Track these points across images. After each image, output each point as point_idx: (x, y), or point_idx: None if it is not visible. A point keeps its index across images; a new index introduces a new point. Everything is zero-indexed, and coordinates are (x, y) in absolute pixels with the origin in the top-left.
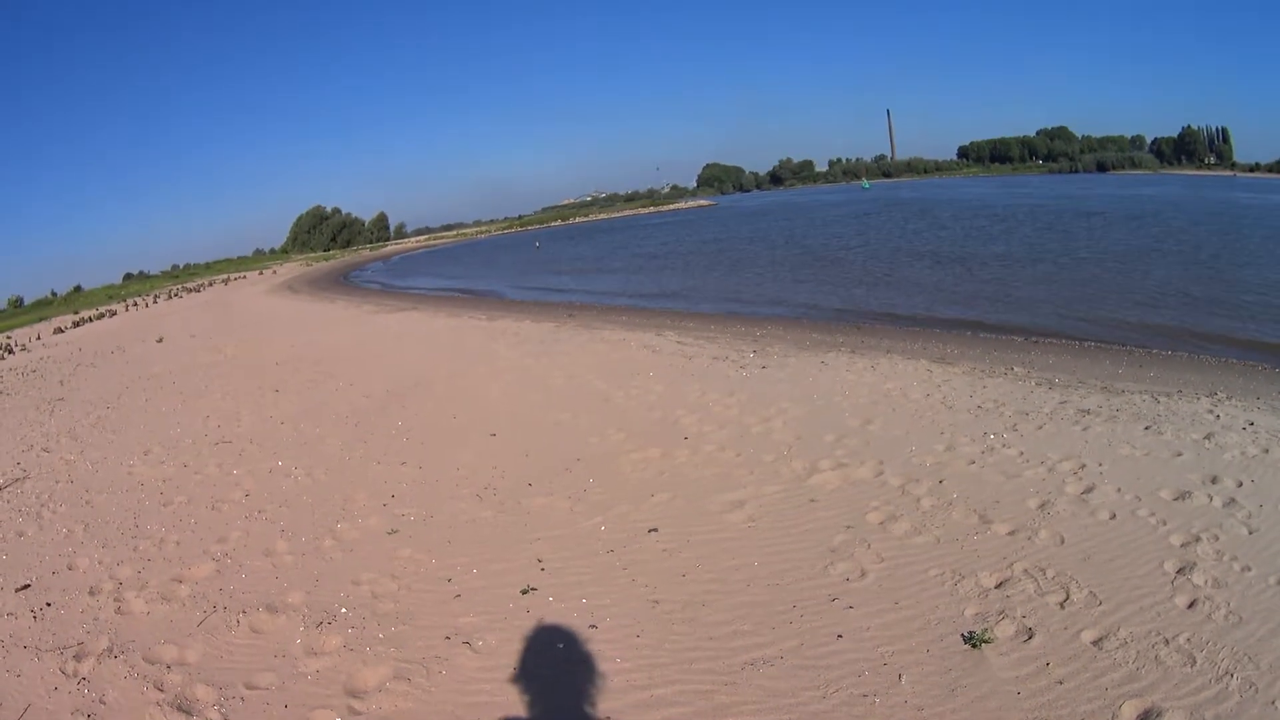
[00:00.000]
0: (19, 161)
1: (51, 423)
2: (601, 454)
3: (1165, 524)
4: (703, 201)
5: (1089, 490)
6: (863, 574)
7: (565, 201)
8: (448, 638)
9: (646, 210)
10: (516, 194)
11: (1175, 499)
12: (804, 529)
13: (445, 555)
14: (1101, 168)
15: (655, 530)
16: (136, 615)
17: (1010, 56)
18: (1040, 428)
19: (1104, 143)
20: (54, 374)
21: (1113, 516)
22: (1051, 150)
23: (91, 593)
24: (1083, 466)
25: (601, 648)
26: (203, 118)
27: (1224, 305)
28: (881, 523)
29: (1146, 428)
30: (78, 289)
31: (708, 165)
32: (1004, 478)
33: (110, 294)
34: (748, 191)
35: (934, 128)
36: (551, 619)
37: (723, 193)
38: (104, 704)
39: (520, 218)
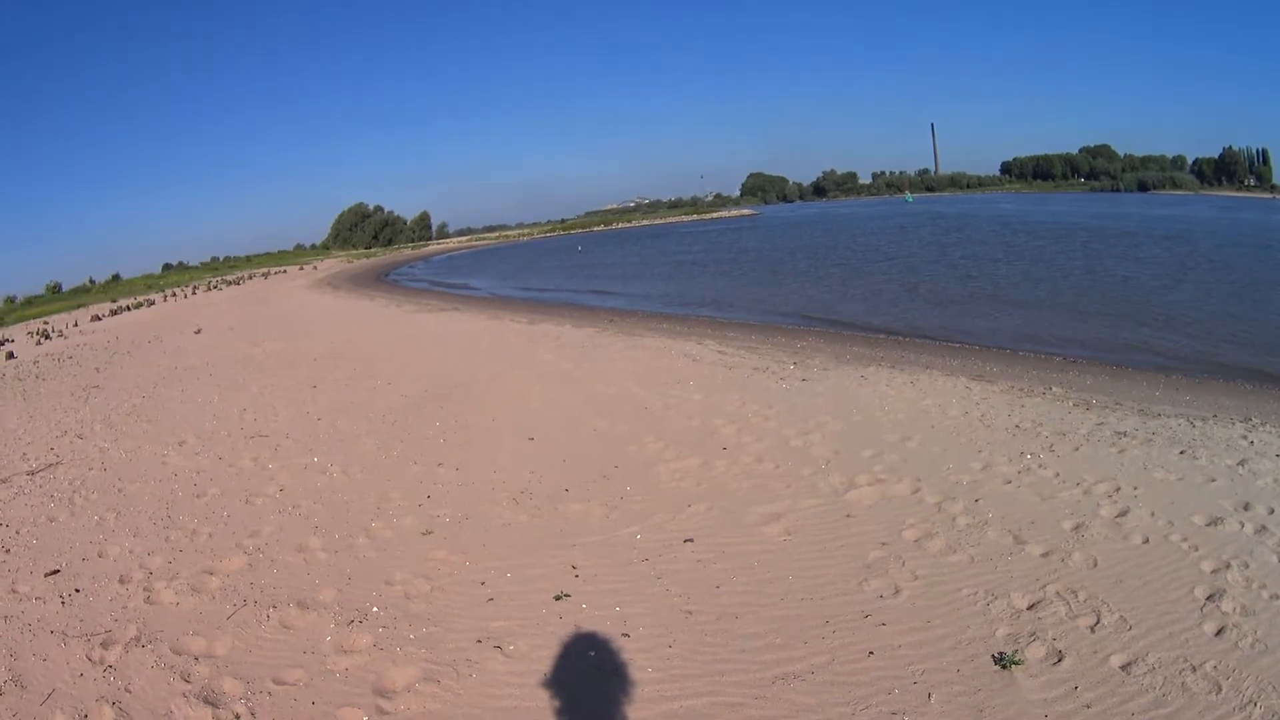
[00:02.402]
0: (61, 147)
1: (86, 409)
2: (639, 462)
3: (1197, 549)
4: (746, 211)
5: (1123, 513)
6: (896, 591)
7: (609, 206)
8: (479, 641)
9: (690, 218)
10: (560, 197)
11: (1208, 524)
12: (840, 544)
13: (480, 558)
14: (1143, 187)
15: (691, 540)
16: (166, 605)
17: (1055, 73)
18: (1077, 449)
19: (1145, 162)
20: (90, 361)
21: (1146, 541)
22: (1094, 168)
23: (121, 581)
24: (1118, 489)
25: (633, 656)
26: (246, 110)
27: (1261, 329)
28: (917, 540)
29: (1181, 452)
30: (116, 277)
31: (751, 174)
32: (1040, 498)
33: (149, 284)
34: (791, 202)
35: (978, 142)
36: (584, 626)
37: (766, 202)
38: (129, 692)
39: (563, 221)
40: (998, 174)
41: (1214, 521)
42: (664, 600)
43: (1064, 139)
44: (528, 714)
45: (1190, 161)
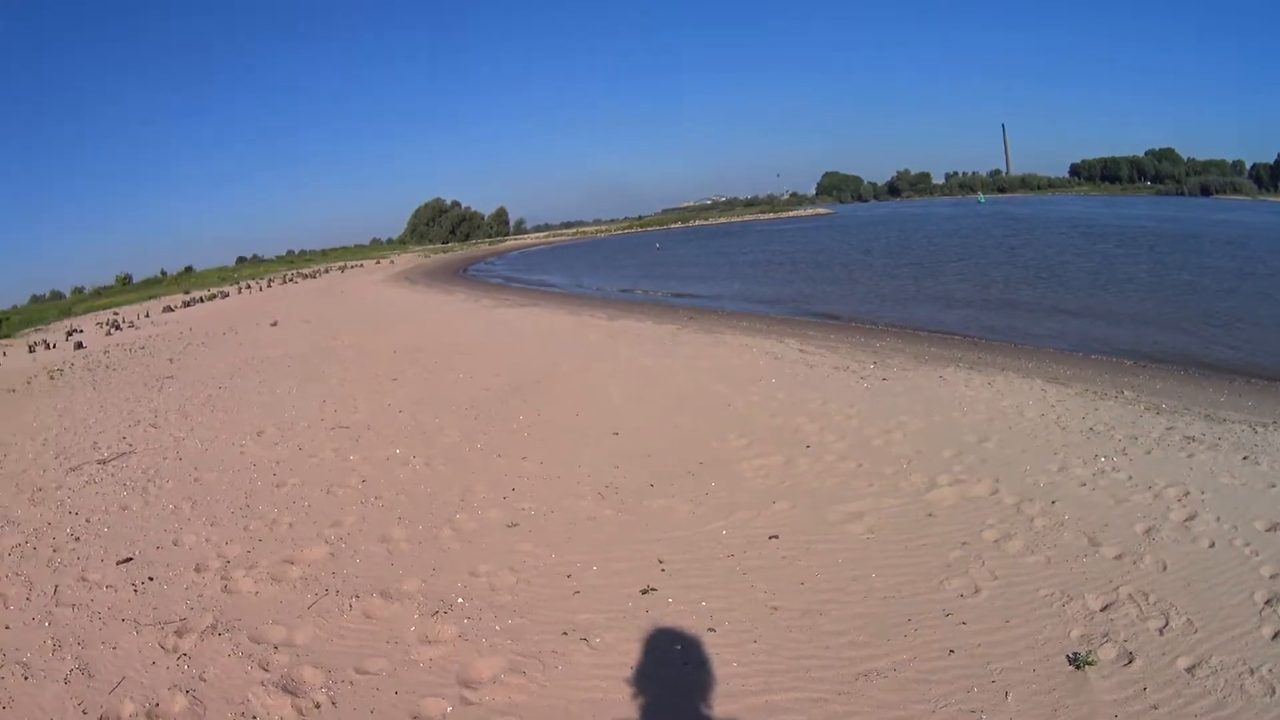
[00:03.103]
0: (135, 140)
1: (160, 399)
2: (723, 458)
3: (1258, 555)
4: (822, 210)
5: (1191, 517)
6: (976, 590)
7: (686, 204)
8: (565, 633)
9: (766, 216)
10: (637, 194)
11: (1268, 530)
12: (921, 543)
13: (565, 551)
14: (1205, 191)
15: (776, 537)
16: (244, 594)
17: (1124, 74)
18: (1148, 453)
19: (1207, 166)
20: (163, 351)
21: (1211, 545)
22: (1159, 171)
23: (197, 569)
24: (1186, 494)
25: (718, 651)
26: (323, 104)
27: None
28: (996, 540)
29: (1244, 458)
30: (189, 269)
31: (827, 173)
32: (1113, 501)
33: (222, 276)
34: (865, 201)
35: (1048, 143)
36: (670, 620)
37: (841, 201)
38: (204, 681)
39: (640, 218)
40: (1067, 175)
41: (1273, 527)
42: (749, 596)
43: (1131, 141)
44: (613, 706)
45: (1249, 167)
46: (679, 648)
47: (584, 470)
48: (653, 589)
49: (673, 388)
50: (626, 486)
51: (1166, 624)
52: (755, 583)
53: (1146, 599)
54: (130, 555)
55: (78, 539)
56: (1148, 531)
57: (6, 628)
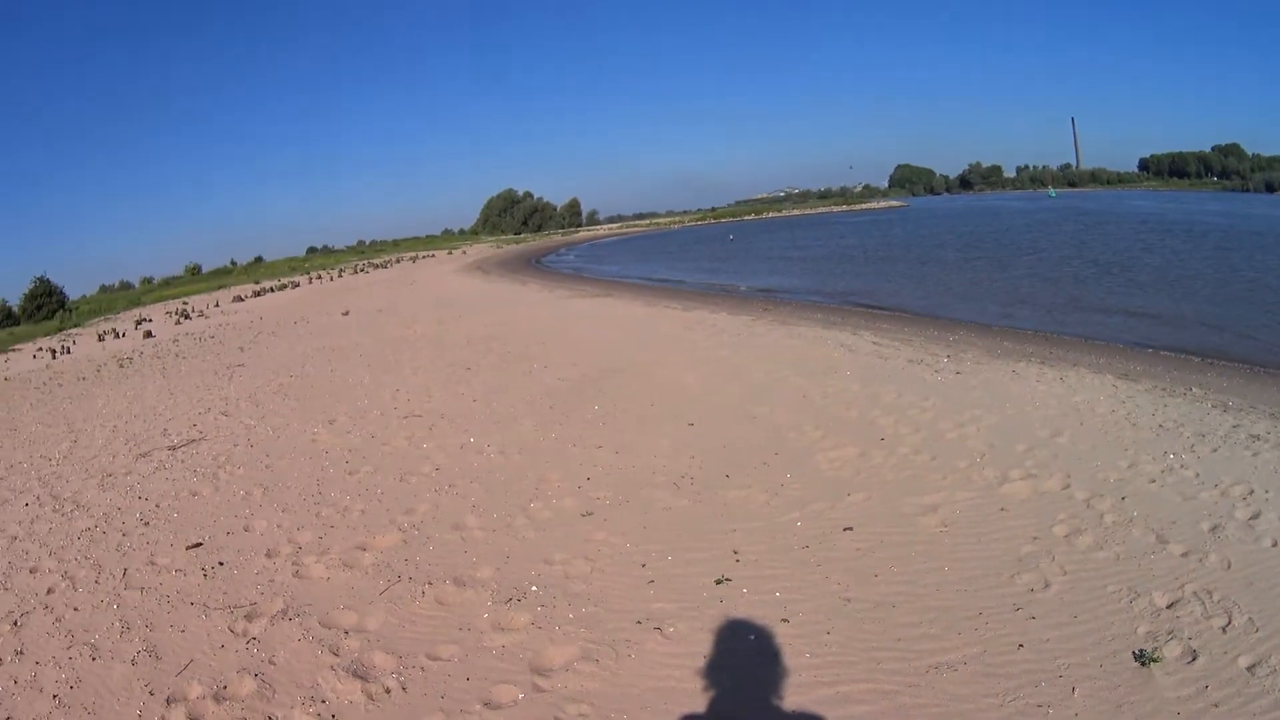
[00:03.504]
0: (207, 133)
1: (230, 387)
2: (799, 449)
3: None
4: (894, 202)
5: (1255, 516)
6: (1046, 585)
7: (759, 195)
8: (639, 622)
9: (839, 208)
10: (710, 186)
11: None
12: (993, 537)
13: (640, 541)
14: (1269, 188)
15: (850, 529)
16: (315, 580)
17: (1193, 68)
18: (1215, 450)
19: (1272, 162)
20: (233, 341)
21: (1274, 544)
22: (1225, 167)
23: (268, 555)
24: (1251, 492)
25: (791, 642)
26: (394, 97)
27: None
28: (1067, 536)
29: None
30: (259, 260)
31: (899, 166)
32: (1181, 498)
33: (292, 266)
34: (937, 194)
35: (1118, 137)
36: (744, 610)
37: (913, 194)
38: (273, 664)
39: (713, 210)
40: (1136, 170)
41: None
42: (823, 587)
43: (1199, 136)
44: (686, 695)
45: None
46: (752, 638)
47: (659, 460)
48: (727, 579)
49: (748, 378)
50: (702, 477)
51: (1229, 622)
52: (829, 574)
53: (1210, 597)
54: (200, 540)
55: (147, 524)
56: (1213, 529)
57: (75, 609)
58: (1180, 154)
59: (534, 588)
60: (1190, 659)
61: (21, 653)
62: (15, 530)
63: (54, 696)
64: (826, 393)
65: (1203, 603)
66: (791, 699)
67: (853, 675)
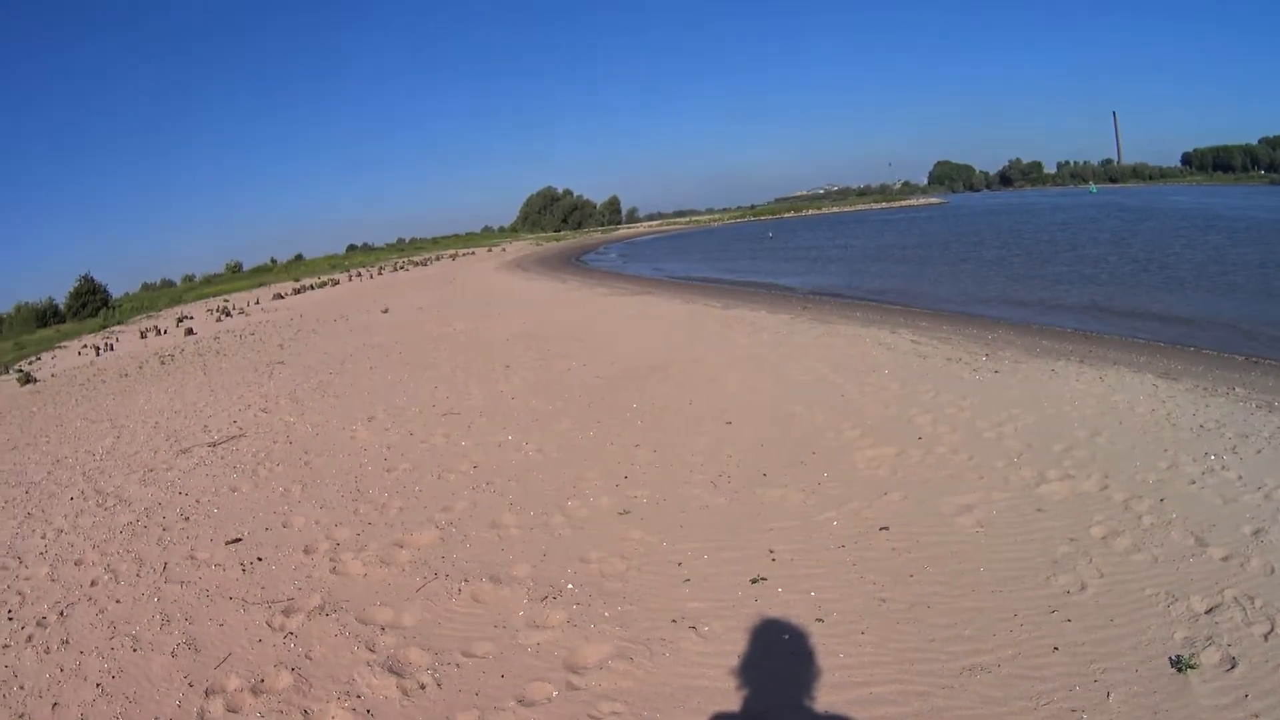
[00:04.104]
0: (249, 132)
1: (270, 385)
2: (836, 448)
3: None
4: (934, 200)
5: None
6: (1083, 587)
7: (798, 193)
8: (674, 621)
9: (879, 206)
10: (749, 183)
11: None
12: (1030, 538)
13: (676, 539)
14: None
15: (886, 529)
16: (353, 576)
17: (1237, 61)
18: (1259, 452)
19: None
20: (273, 338)
21: None
22: (1273, 160)
23: (306, 551)
24: None
25: (825, 642)
26: (432, 95)
27: None
28: (1104, 538)
29: None
30: (299, 257)
31: (939, 163)
32: (1222, 501)
33: (332, 264)
34: (977, 191)
35: (1160, 132)
36: (778, 610)
37: (953, 191)
38: (309, 659)
39: (753, 207)
40: (1179, 165)
41: None
42: (858, 587)
43: (1244, 129)
44: (720, 694)
45: None
46: (786, 638)
47: (697, 459)
48: (763, 578)
49: (787, 377)
50: (739, 475)
51: (1272, 630)
52: (865, 574)
53: (1252, 603)
54: (239, 536)
55: (187, 519)
56: (1256, 533)
57: (117, 601)
58: (1225, 147)
59: (570, 586)
60: (1229, 666)
61: (67, 642)
62: (61, 524)
63: (97, 685)
64: (864, 391)
65: (1244, 609)
66: (824, 699)
67: (886, 675)
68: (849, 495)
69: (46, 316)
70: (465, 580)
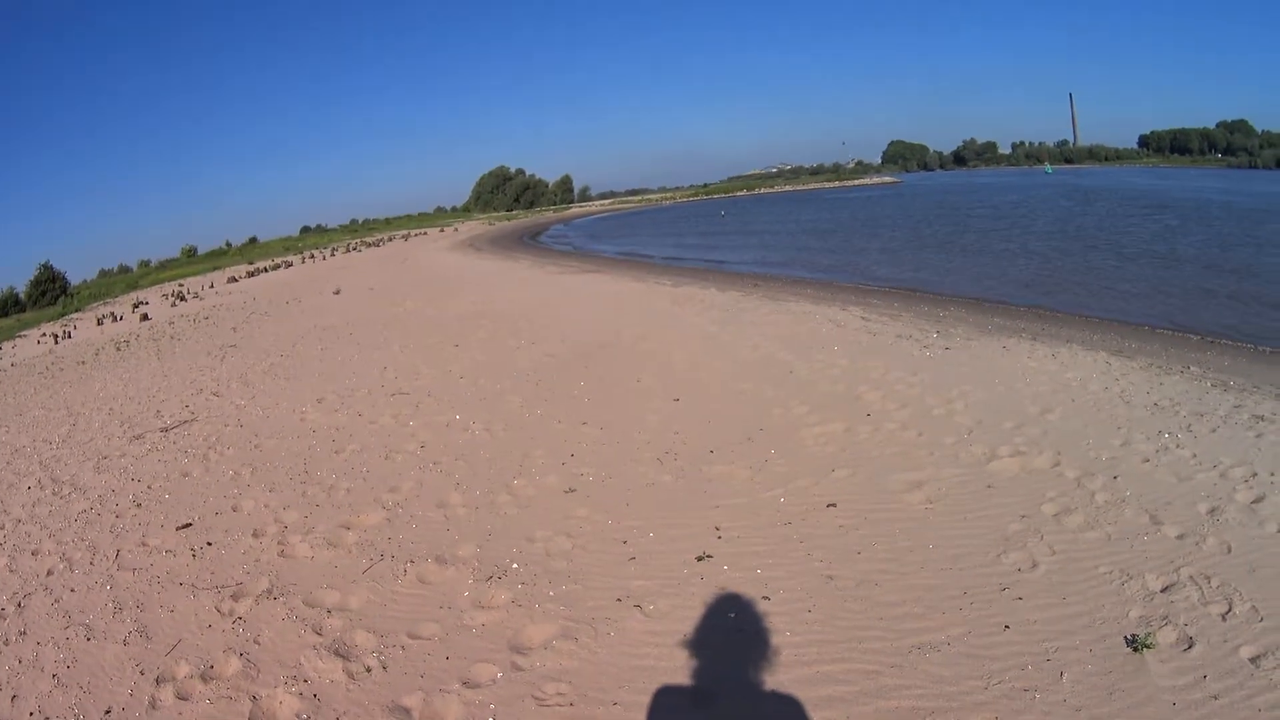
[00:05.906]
0: (201, 114)
1: (223, 368)
2: (784, 425)
3: None
4: (888, 179)
5: (1259, 500)
6: (1034, 565)
7: (751, 172)
8: (619, 600)
9: (832, 185)
10: (702, 162)
11: None
12: (980, 515)
13: (622, 517)
14: None
15: (834, 505)
16: (300, 559)
17: (1195, 45)
18: (1214, 430)
19: None
20: (227, 321)
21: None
22: (1231, 144)
23: (255, 535)
24: (1254, 474)
25: (772, 620)
26: (385, 73)
27: None
28: (1056, 515)
29: None
30: (253, 240)
31: (893, 142)
32: (1176, 479)
33: (286, 246)
34: (931, 170)
35: (1116, 114)
36: (725, 587)
37: (906, 170)
38: (258, 644)
39: (705, 186)
40: (1135, 147)
41: None
42: (805, 564)
43: (1202, 114)
44: (665, 674)
45: None
46: (733, 615)
47: (644, 436)
48: (709, 556)
49: (736, 354)
50: (686, 453)
51: (1230, 609)
52: (812, 551)
53: (1209, 582)
54: (190, 521)
55: (139, 505)
56: (1211, 512)
57: (71, 591)
58: (1183, 130)
59: (515, 565)
60: (1186, 646)
61: (24, 633)
62: (19, 513)
63: (53, 676)
64: (814, 368)
65: (1200, 588)
66: (771, 677)
67: (834, 654)
68: (797, 472)
69: (8, 306)
70: (411, 561)
